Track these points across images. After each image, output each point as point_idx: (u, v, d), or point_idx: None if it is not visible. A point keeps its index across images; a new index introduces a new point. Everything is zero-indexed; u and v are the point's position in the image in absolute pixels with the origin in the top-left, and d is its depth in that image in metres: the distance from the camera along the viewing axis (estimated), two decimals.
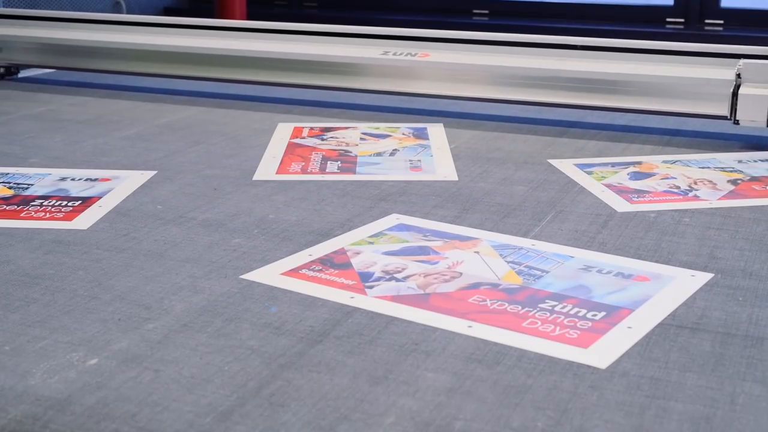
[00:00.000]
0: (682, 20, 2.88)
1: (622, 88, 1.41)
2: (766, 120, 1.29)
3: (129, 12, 2.95)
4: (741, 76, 1.31)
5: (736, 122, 1.31)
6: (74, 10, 2.73)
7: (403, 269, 0.88)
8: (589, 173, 1.20)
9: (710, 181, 1.16)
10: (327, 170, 1.21)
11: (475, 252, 0.92)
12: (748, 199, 1.09)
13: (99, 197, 1.09)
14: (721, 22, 2.83)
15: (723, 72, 1.35)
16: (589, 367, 0.69)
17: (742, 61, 1.33)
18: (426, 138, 1.37)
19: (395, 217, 1.02)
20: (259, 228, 0.99)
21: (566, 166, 1.23)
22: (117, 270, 0.88)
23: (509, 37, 1.49)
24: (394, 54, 1.52)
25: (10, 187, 1.13)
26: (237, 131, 1.42)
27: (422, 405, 0.64)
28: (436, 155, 1.28)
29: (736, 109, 1.30)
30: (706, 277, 0.86)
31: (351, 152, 1.30)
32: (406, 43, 1.53)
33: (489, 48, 1.49)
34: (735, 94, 1.31)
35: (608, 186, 1.14)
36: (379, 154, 1.29)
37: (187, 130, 1.42)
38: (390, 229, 0.99)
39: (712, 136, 1.40)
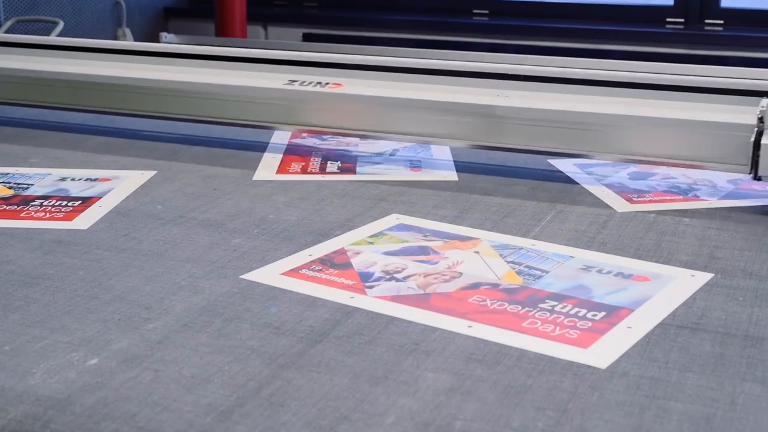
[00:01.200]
0: (682, 20, 2.88)
1: (606, 131, 1.11)
2: None
3: (129, 12, 2.94)
4: (764, 120, 1.03)
5: (758, 178, 1.03)
6: (74, 11, 2.73)
7: (403, 269, 0.88)
8: (589, 173, 1.20)
9: (710, 181, 1.16)
10: (327, 170, 1.21)
11: (475, 252, 0.92)
12: (748, 199, 1.09)
13: (99, 197, 1.09)
14: (721, 22, 2.83)
15: (741, 115, 1.06)
16: (589, 367, 0.69)
17: (767, 101, 1.05)
18: None
19: (395, 217, 1.02)
20: (259, 228, 0.99)
21: (566, 166, 1.23)
22: (117, 270, 0.88)
23: (448, 66, 1.25)
24: (301, 84, 1.26)
25: (10, 187, 1.13)
26: (237, 131, 1.42)
27: (422, 405, 0.64)
28: (436, 155, 1.28)
29: (758, 163, 1.02)
30: (706, 277, 0.86)
31: (351, 152, 1.30)
32: (315, 70, 1.29)
33: (419, 77, 1.24)
34: (757, 144, 1.02)
35: (608, 186, 1.14)
36: (379, 154, 1.29)
37: (187, 130, 1.42)
38: (390, 229, 0.99)
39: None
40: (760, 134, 1.02)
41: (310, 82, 1.26)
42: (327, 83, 1.25)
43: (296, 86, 1.26)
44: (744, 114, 1.05)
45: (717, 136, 1.06)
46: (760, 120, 1.03)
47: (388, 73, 1.26)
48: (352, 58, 1.31)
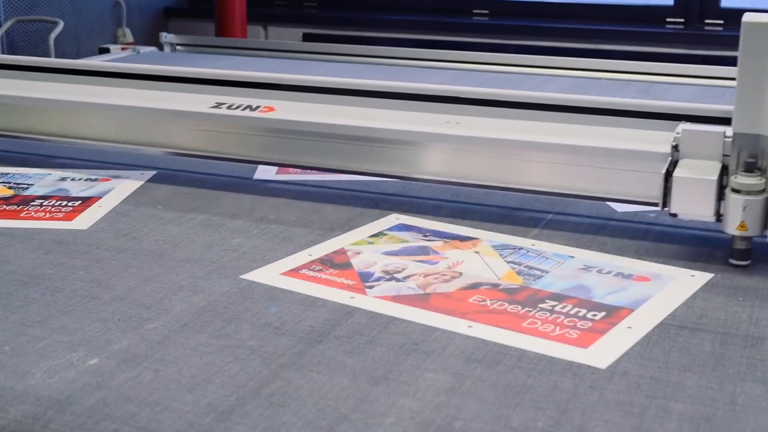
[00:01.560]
0: (682, 20, 2.88)
1: (508, 157, 1.00)
2: (714, 213, 0.88)
3: (129, 12, 2.94)
4: (679, 148, 0.90)
5: (673, 215, 0.90)
6: (74, 11, 2.73)
7: (403, 269, 0.88)
8: None
9: None
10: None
11: (475, 252, 0.92)
12: None
13: (99, 197, 1.09)
14: (721, 22, 2.83)
15: (653, 143, 0.93)
16: (589, 367, 0.69)
17: (683, 126, 0.91)
18: None
19: (395, 217, 1.02)
20: (259, 228, 0.99)
21: None
22: (117, 270, 0.88)
23: (395, 87, 1.08)
24: (229, 107, 1.10)
25: (10, 187, 1.13)
26: None
27: (422, 405, 0.64)
28: None
29: (670, 197, 0.89)
30: (706, 277, 0.86)
31: None
32: (246, 91, 1.14)
33: (364, 101, 1.08)
34: (669, 175, 0.89)
35: None
36: None
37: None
38: (390, 229, 0.99)
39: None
40: (673, 164, 0.90)
41: (239, 105, 1.10)
42: (258, 107, 1.10)
43: (223, 110, 1.10)
44: (657, 142, 0.93)
45: (626, 166, 0.94)
46: (675, 148, 0.90)
47: (331, 95, 1.10)
48: (283, 77, 1.14)
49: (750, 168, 0.87)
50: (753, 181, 0.86)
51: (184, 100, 1.15)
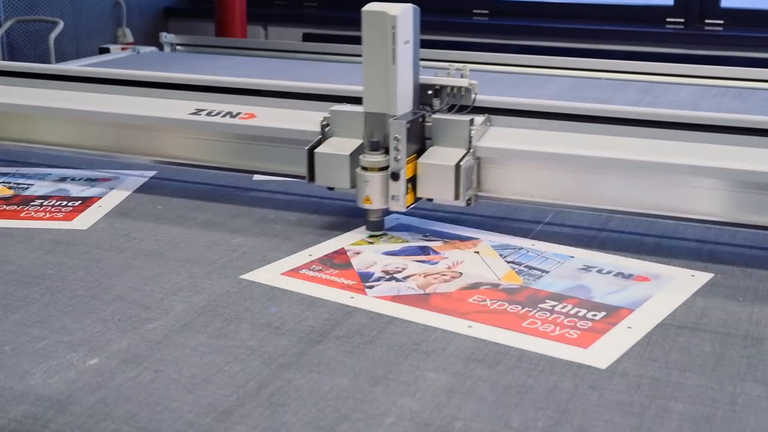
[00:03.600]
0: (682, 20, 2.88)
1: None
2: (350, 185, 0.97)
3: (129, 12, 2.94)
4: (329, 127, 0.99)
5: (331, 188, 0.98)
6: (74, 11, 2.73)
7: (403, 269, 0.88)
8: None
9: None
10: None
11: (475, 252, 0.92)
12: None
13: (99, 197, 1.09)
14: (721, 22, 2.83)
15: (307, 123, 1.01)
16: (589, 367, 0.69)
17: (334, 106, 1.00)
18: None
19: (395, 217, 1.02)
20: (259, 228, 0.99)
21: None
22: (117, 270, 0.88)
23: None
24: (209, 114, 1.07)
25: (10, 187, 1.13)
26: None
27: (422, 405, 0.64)
28: None
29: (314, 171, 0.97)
30: (706, 277, 0.86)
31: None
32: (226, 97, 1.10)
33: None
34: (312, 151, 0.98)
35: None
36: None
37: None
38: (390, 229, 0.99)
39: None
40: (319, 142, 0.98)
41: (219, 112, 1.08)
42: (238, 113, 1.07)
43: (202, 116, 1.07)
44: (310, 121, 1.01)
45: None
46: (325, 127, 0.99)
47: (306, 100, 1.07)
48: (264, 82, 1.11)
49: (375, 147, 0.94)
50: (375, 159, 0.94)
51: (162, 106, 1.11)
